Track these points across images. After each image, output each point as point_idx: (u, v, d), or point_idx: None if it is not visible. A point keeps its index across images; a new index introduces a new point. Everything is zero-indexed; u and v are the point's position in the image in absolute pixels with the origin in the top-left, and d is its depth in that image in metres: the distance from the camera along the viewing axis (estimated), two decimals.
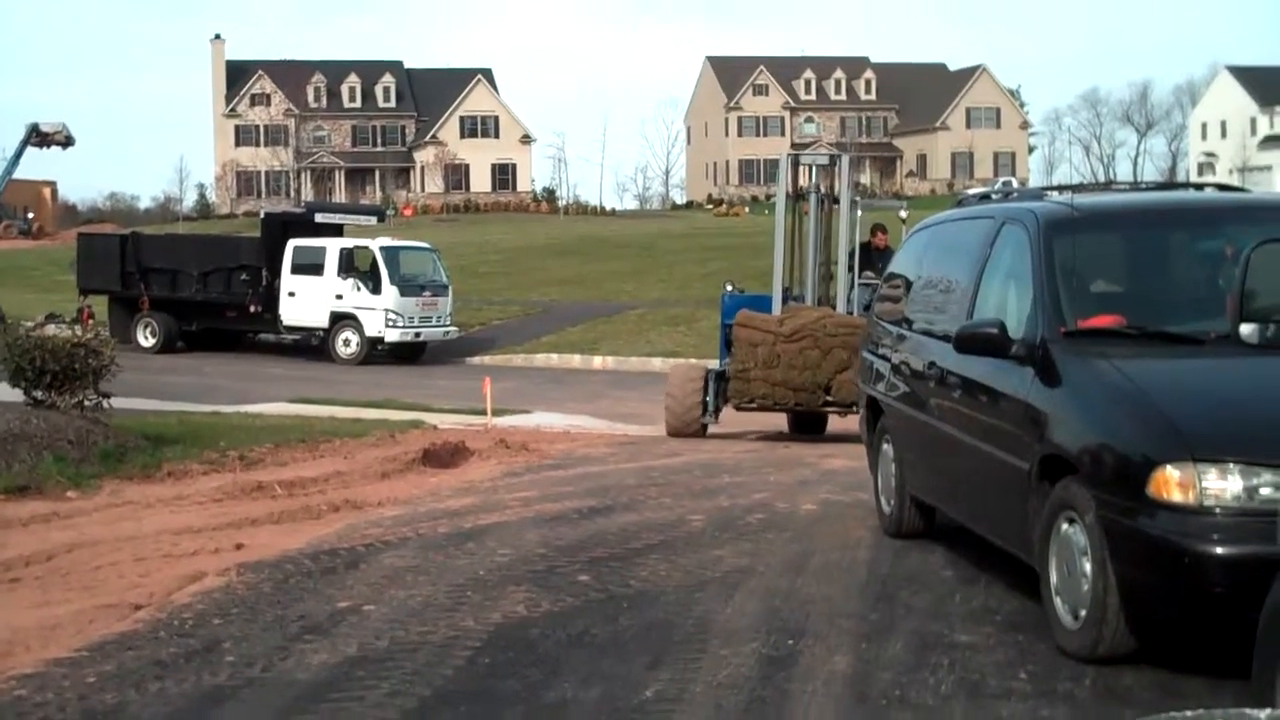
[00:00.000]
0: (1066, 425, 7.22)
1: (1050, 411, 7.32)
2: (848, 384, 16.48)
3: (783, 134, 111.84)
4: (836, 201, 19.45)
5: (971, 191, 11.56)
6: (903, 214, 20.56)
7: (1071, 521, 6.88)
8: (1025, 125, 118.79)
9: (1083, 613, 6.75)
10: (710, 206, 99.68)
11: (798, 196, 19.78)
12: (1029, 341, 7.62)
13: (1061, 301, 7.65)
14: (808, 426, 18.93)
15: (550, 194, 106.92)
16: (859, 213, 20.41)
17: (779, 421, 19.33)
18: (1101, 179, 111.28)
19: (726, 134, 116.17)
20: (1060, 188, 9.73)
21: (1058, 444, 7.16)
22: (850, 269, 19.62)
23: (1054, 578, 7.08)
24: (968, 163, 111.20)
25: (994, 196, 9.94)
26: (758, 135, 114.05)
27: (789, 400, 17.56)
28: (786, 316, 17.86)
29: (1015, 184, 15.07)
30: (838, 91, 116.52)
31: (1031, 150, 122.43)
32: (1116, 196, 9.91)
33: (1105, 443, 6.87)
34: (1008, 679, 6.57)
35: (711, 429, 18.53)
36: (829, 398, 17.39)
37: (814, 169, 19.85)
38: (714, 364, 19.18)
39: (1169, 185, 13.50)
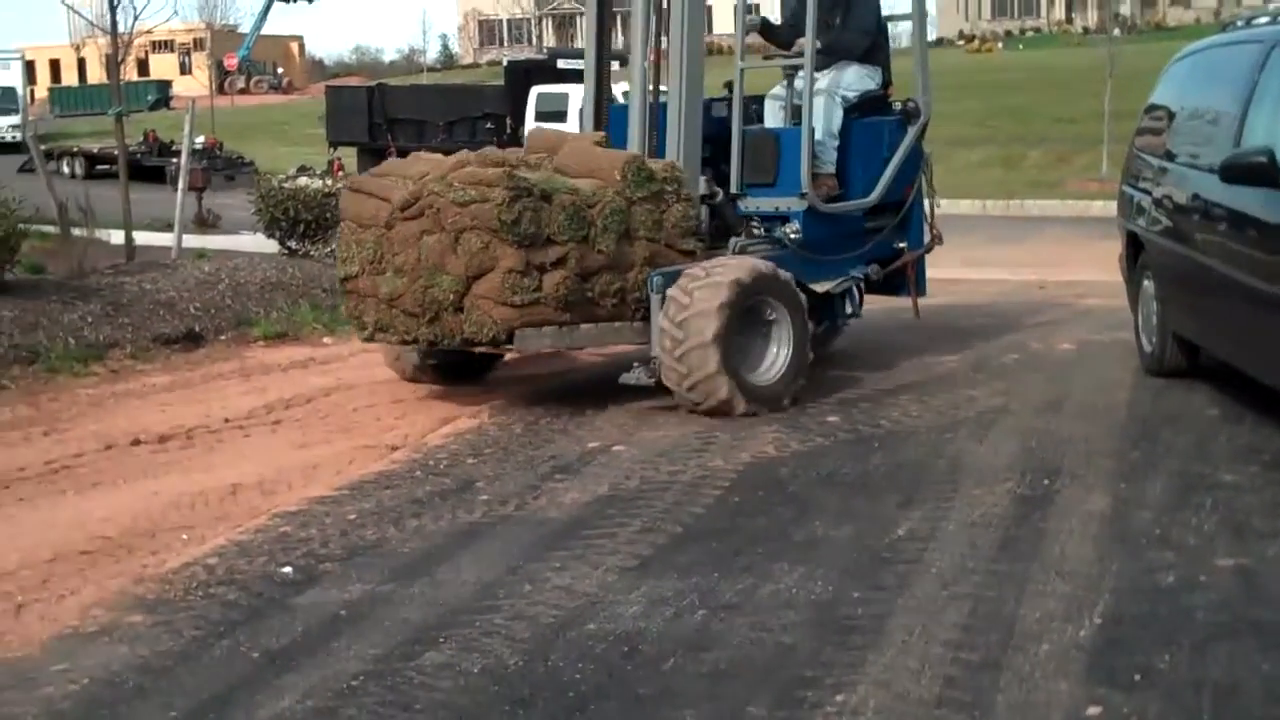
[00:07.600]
0: None
1: None
2: (488, 302, 8.73)
3: None
4: None
5: (1240, 17, 10.97)
6: None
7: None
8: None
9: None
10: (962, 43, 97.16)
11: None
12: None
13: None
14: None
15: None
16: None
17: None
18: None
19: None
20: None
21: None
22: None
23: None
24: None
25: (1262, 21, 9.42)
26: None
27: (411, 331, 9.10)
28: (416, 168, 9.48)
29: None
30: None
31: None
32: None
33: None
34: (1274, 519, 6.33)
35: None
36: (467, 329, 8.84)
37: None
38: None
39: None
